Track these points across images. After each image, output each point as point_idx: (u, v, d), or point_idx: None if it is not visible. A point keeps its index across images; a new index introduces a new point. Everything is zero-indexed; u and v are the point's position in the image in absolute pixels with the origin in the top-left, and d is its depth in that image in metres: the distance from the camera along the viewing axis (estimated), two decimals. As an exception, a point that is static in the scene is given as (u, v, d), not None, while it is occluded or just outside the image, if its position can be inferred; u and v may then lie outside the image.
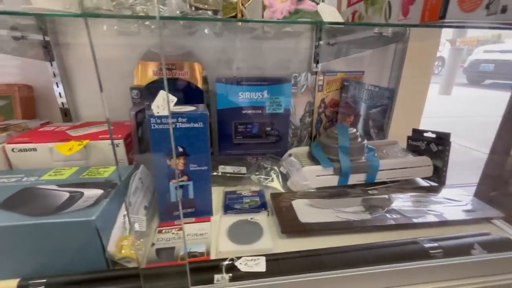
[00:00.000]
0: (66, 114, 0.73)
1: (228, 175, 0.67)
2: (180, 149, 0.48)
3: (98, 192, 0.42)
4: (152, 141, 0.47)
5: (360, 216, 0.54)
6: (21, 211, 0.37)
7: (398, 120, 0.90)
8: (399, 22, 0.48)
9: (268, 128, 0.77)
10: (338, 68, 0.84)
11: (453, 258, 0.41)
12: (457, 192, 0.62)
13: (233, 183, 0.67)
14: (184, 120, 0.47)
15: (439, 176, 0.67)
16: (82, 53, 0.72)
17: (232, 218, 0.52)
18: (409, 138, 0.75)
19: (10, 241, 0.35)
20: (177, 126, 0.47)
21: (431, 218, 0.52)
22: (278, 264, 0.40)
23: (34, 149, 0.52)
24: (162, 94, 0.46)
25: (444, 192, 0.63)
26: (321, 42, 0.78)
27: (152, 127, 0.46)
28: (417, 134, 0.73)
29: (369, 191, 0.62)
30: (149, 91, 0.69)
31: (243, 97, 0.72)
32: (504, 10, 0.39)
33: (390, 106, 0.79)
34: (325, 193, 0.62)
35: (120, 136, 0.56)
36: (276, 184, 0.65)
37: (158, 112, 0.45)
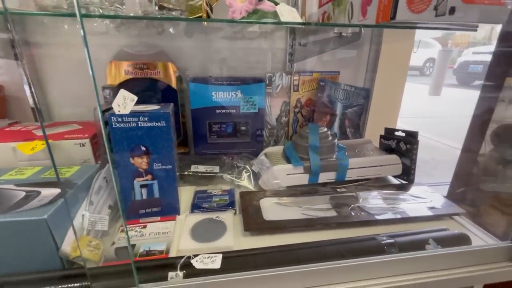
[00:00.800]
0: (37, 113, 0.72)
1: (200, 174, 0.67)
2: (143, 148, 0.49)
3: (56, 191, 0.42)
4: (114, 139, 0.47)
5: (325, 213, 0.55)
6: (-30, 210, 0.37)
7: (374, 120, 0.92)
8: (359, 23, 0.49)
9: (243, 128, 0.77)
10: (314, 68, 0.85)
11: (407, 253, 0.42)
12: (424, 190, 0.63)
13: (205, 182, 0.68)
14: (146, 119, 0.47)
15: (407, 174, 0.68)
16: (54, 52, 0.71)
17: (198, 217, 0.53)
18: (381, 137, 0.77)
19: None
20: (139, 125, 0.47)
21: (394, 215, 0.53)
22: (234, 261, 0.41)
23: (-4, 148, 0.52)
24: (122, 93, 0.46)
25: (412, 190, 0.64)
26: (295, 42, 0.78)
27: (114, 126, 0.46)
28: (389, 133, 0.74)
29: (338, 189, 0.63)
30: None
31: (217, 96, 0.73)
32: (452, 11, 0.40)
33: (366, 105, 0.81)
34: (294, 191, 0.62)
35: (86, 135, 0.56)
36: (247, 183, 0.65)
37: (118, 111, 0.46)
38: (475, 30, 0.47)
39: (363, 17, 0.48)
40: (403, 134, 0.70)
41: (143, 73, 0.69)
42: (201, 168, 0.69)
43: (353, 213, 0.54)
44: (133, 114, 0.46)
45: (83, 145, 0.55)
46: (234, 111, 0.75)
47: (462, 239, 0.46)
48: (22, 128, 0.60)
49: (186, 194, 0.63)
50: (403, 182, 0.69)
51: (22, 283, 0.35)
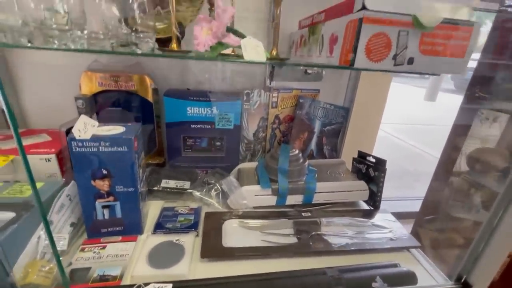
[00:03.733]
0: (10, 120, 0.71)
1: (169, 190, 0.67)
2: (104, 172, 0.49)
3: (10, 215, 0.43)
4: (74, 163, 0.47)
5: (286, 239, 0.56)
6: None
7: (352, 139, 0.93)
8: (327, 59, 0.49)
9: (218, 143, 0.78)
10: (294, 86, 0.85)
11: (351, 291, 0.44)
12: (386, 218, 0.65)
13: (175, 197, 0.68)
14: (107, 144, 0.47)
15: (373, 200, 0.69)
16: (29, 57, 0.70)
17: (159, 238, 0.54)
18: (354, 160, 0.78)
19: None
20: (100, 150, 0.47)
21: (351, 246, 0.55)
22: (183, 293, 0.42)
23: (-42, 162, 0.52)
24: (83, 118, 0.46)
25: (376, 217, 0.65)
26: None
27: (74, 150, 0.46)
28: (361, 156, 0.75)
29: (303, 213, 0.64)
30: (94, 101, 0.69)
31: (192, 112, 0.72)
32: (410, 62, 0.41)
33: (344, 125, 0.81)
34: (260, 213, 0.63)
35: (53, 150, 0.56)
36: (215, 202, 0.66)
37: (79, 136, 0.46)
38: (439, 75, 0.47)
39: (330, 54, 0.48)
40: (373, 160, 0.71)
41: (117, 85, 0.68)
42: (172, 184, 0.69)
43: (311, 243, 0.55)
44: (94, 139, 0.46)
45: (49, 160, 0.55)
46: (209, 126, 0.75)
47: (409, 278, 0.48)
48: (-12, 138, 0.59)
49: (154, 209, 0.64)
50: (369, 208, 0.71)
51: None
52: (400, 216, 0.68)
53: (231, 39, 0.44)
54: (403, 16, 0.38)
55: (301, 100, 0.86)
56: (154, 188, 0.67)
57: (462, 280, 0.51)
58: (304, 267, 0.49)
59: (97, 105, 0.71)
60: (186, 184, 0.70)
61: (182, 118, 0.73)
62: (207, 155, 0.78)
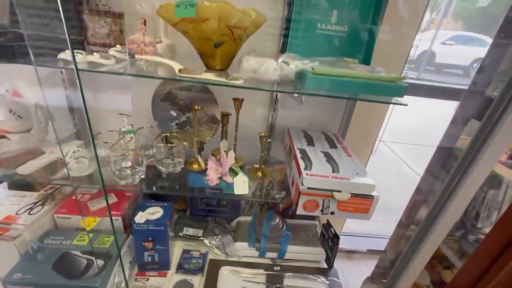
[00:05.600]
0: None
1: (188, 237, 1.01)
2: (150, 238, 0.82)
3: (100, 262, 0.78)
4: (134, 234, 0.81)
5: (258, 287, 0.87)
6: (63, 274, 0.73)
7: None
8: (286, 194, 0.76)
9: (224, 202, 1.08)
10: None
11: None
12: (334, 278, 0.93)
13: (191, 241, 1.01)
14: (152, 225, 0.80)
15: (329, 262, 0.97)
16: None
17: (179, 276, 0.87)
18: (323, 225, 1.04)
19: (57, 289, 0.72)
20: (149, 228, 0.80)
21: (299, 299, 0.84)
22: (190, 319, 0.75)
23: (69, 218, 0.88)
24: (141, 214, 0.78)
25: (329, 274, 0.93)
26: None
27: (135, 227, 0.79)
28: (327, 226, 1.01)
29: (274, 267, 0.94)
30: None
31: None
32: (332, 213, 0.67)
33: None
34: (247, 263, 0.94)
35: (119, 213, 0.90)
36: (218, 250, 0.98)
37: (138, 220, 0.79)
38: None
39: (291, 186, 0.74)
40: (333, 233, 0.97)
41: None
42: (190, 231, 1.02)
43: (274, 292, 0.85)
44: (145, 222, 0.79)
45: (117, 220, 0.89)
46: (219, 191, 1.05)
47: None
48: (81, 197, 0.95)
49: (178, 248, 0.97)
50: (324, 267, 0.98)
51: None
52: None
53: (228, 177, 0.72)
54: (326, 191, 0.64)
55: (290, 172, 1.12)
56: (179, 235, 1.01)
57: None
58: (263, 311, 0.79)
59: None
60: (200, 232, 1.02)
61: (201, 185, 1.04)
62: (217, 209, 1.10)
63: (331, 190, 0.64)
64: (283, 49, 0.86)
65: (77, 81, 0.47)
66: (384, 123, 1.11)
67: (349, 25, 0.80)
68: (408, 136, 3.99)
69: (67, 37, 0.43)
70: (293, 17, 0.77)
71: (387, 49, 0.84)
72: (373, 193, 0.65)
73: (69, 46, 0.44)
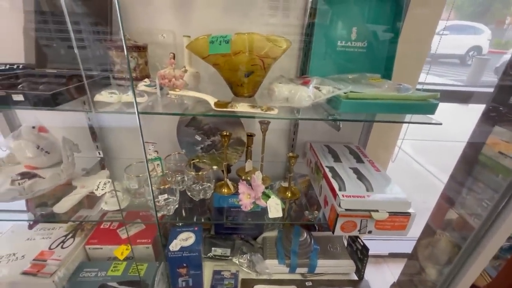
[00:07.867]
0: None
1: (217, 257, 1.01)
2: (184, 264, 0.82)
3: (139, 293, 0.78)
4: (169, 262, 0.81)
5: (292, 305, 0.87)
6: (103, 308, 0.73)
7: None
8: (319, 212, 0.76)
9: (249, 219, 1.09)
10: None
11: None
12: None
13: (220, 262, 1.02)
14: (186, 252, 0.80)
15: (359, 273, 0.97)
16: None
17: (214, 299, 0.88)
18: (349, 237, 1.05)
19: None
20: (183, 255, 0.80)
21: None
22: None
23: (101, 248, 0.88)
24: (175, 242, 0.79)
25: (360, 286, 0.94)
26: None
27: (169, 255, 0.80)
28: (354, 237, 1.02)
29: (306, 282, 0.94)
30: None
31: (232, 201, 1.03)
32: (370, 232, 0.67)
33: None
34: (279, 280, 0.95)
35: (149, 241, 0.90)
36: (248, 269, 0.99)
37: (172, 248, 0.79)
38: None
39: (324, 206, 0.75)
40: (361, 244, 0.98)
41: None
42: (218, 251, 1.03)
43: (309, 309, 0.86)
44: (180, 249, 0.79)
45: (148, 247, 0.90)
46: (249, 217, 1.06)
47: None
48: (109, 226, 0.95)
49: (208, 269, 0.98)
50: (355, 278, 0.99)
51: None
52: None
53: (261, 202, 0.73)
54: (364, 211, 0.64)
55: (312, 184, 1.13)
56: (208, 255, 1.01)
57: None
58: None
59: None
60: (228, 252, 1.03)
61: (226, 205, 1.04)
62: (241, 226, 1.10)
63: (369, 210, 0.64)
64: (303, 67, 0.87)
65: (139, 127, 0.48)
66: (402, 132, 1.12)
67: (368, 41, 0.81)
68: (413, 132, 3.99)
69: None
70: (314, 36, 0.78)
71: (405, 57, 0.84)
72: (409, 210, 0.65)
73: (132, 91, 0.45)
